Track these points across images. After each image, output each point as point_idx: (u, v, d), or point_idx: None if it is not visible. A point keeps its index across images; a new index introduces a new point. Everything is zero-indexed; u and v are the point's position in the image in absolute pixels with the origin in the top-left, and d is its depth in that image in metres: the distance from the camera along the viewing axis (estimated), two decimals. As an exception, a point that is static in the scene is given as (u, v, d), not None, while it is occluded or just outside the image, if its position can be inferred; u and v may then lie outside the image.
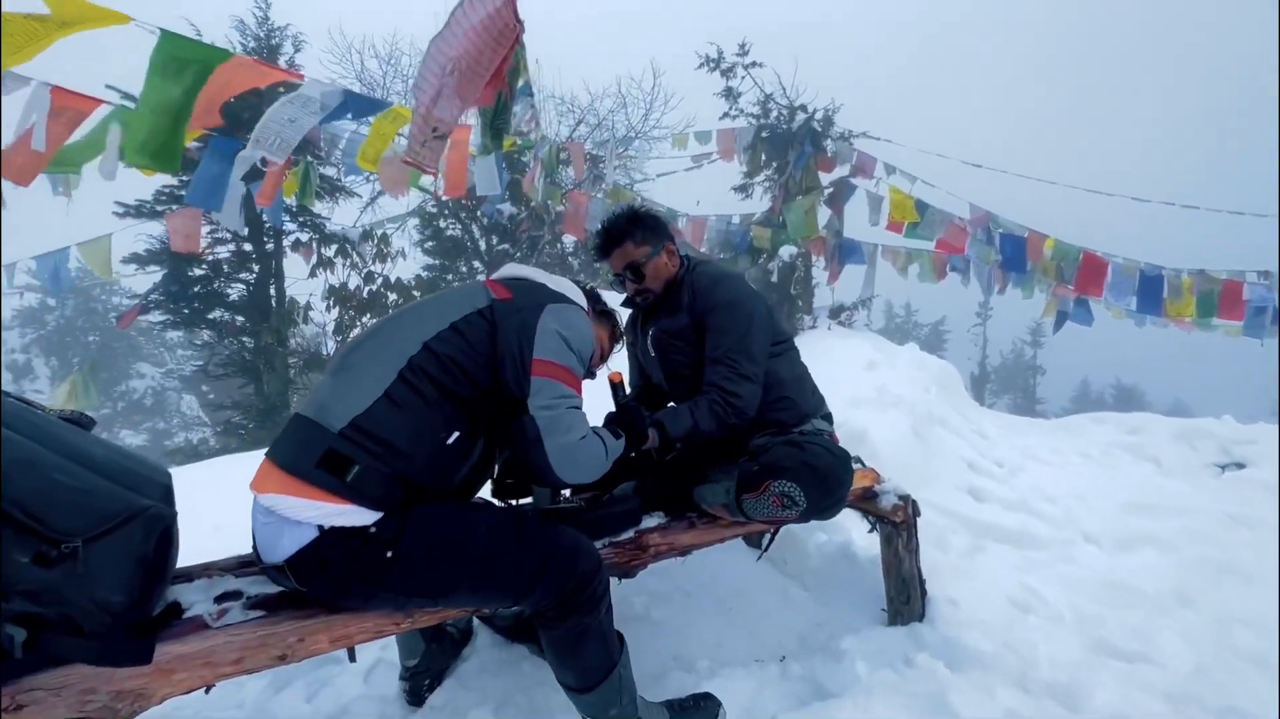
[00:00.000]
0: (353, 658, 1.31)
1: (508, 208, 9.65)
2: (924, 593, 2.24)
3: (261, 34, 8.22)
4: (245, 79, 2.80)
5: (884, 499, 2.19)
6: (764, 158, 8.87)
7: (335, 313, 7.78)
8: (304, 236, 8.39)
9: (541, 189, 5.98)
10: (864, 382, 4.62)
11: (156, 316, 8.27)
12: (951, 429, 4.59)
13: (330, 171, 7.63)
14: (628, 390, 1.78)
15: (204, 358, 9.08)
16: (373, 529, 1.18)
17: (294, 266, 8.49)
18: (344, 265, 8.16)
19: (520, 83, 2.61)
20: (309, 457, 1.17)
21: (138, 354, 22.29)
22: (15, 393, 1.23)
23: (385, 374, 1.25)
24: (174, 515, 1.17)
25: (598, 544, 1.59)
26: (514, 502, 1.63)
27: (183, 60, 2.31)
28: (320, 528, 1.15)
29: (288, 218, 7.85)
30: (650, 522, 1.74)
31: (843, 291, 9.16)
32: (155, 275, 7.68)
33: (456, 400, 1.28)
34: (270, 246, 8.48)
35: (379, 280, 8.22)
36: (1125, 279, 6.92)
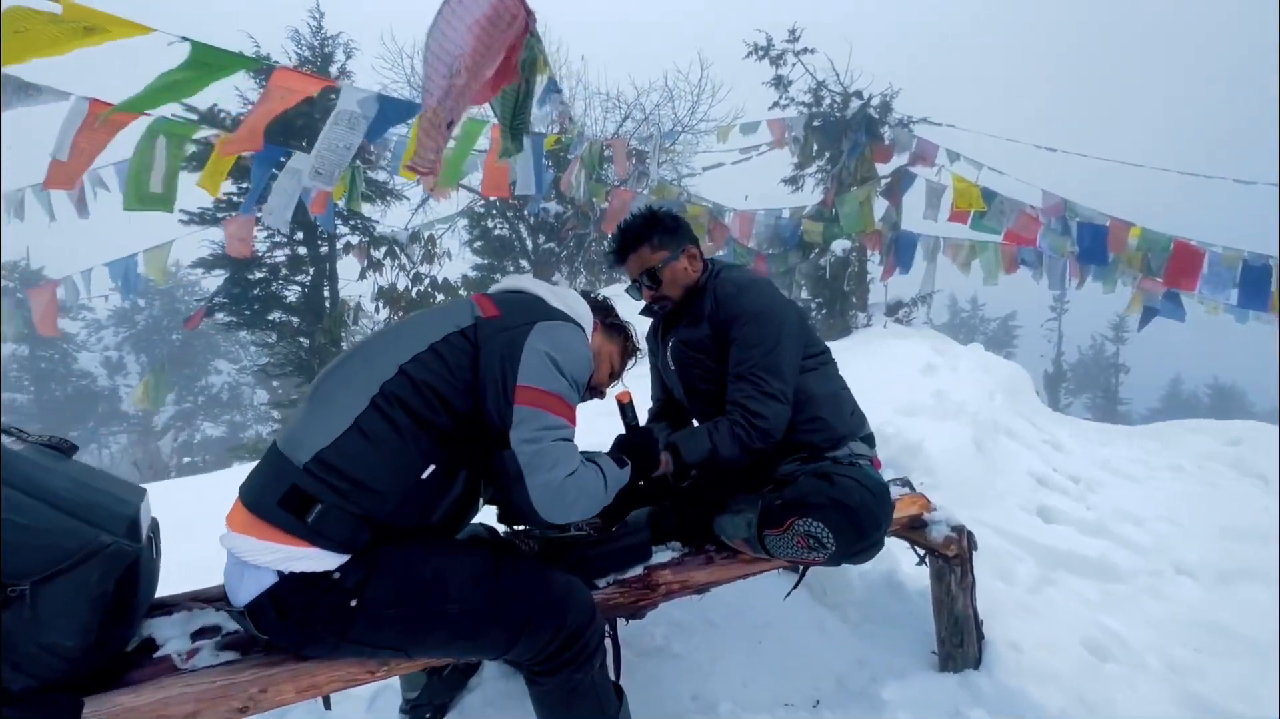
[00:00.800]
0: (328, 706, 1.21)
1: (553, 207, 9.64)
2: (980, 635, 1.99)
3: (315, 43, 8.50)
4: (286, 98, 2.80)
5: (934, 530, 1.95)
6: (816, 148, 8.49)
7: (384, 313, 7.99)
8: (355, 239, 8.65)
9: (583, 186, 5.88)
10: (920, 386, 4.29)
11: (222, 318, 8.74)
12: (1019, 439, 4.21)
13: (381, 176, 7.81)
14: (638, 410, 1.62)
15: (268, 356, 9.55)
16: (336, 575, 1.07)
17: (348, 269, 8.80)
18: (392, 267, 8.37)
19: (542, 78, 2.49)
20: (272, 494, 1.08)
21: (215, 351, 23.81)
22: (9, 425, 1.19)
23: (356, 402, 1.14)
24: (137, 550, 1.10)
25: (602, 582, 1.45)
26: (518, 527, 1.51)
27: (215, 69, 2.30)
28: (279, 573, 1.05)
29: (339, 221, 8.08)
30: (662, 556, 1.59)
31: (901, 287, 8.69)
32: (220, 279, 8.10)
33: (434, 431, 1.16)
34: (324, 250, 8.79)
35: (426, 281, 8.38)
36: (1224, 271, 6.20)
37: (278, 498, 1.07)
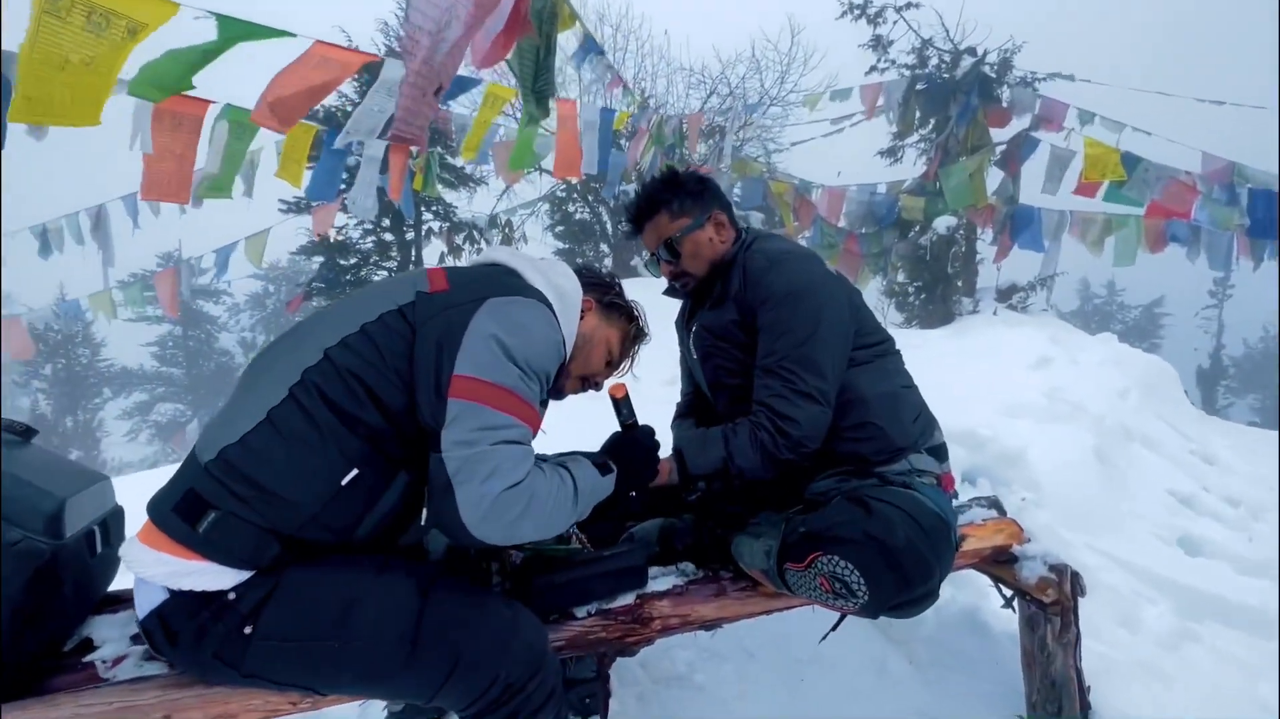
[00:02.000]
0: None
1: (634, 188, 9.42)
2: (1086, 704, 1.57)
3: (404, 34, 8.75)
4: (324, 75, 2.76)
5: (1026, 567, 1.55)
6: (918, 115, 7.67)
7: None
8: (437, 225, 8.91)
9: (653, 163, 5.60)
10: (1029, 382, 3.68)
11: (319, 302, 9.35)
12: (1158, 449, 3.50)
13: (461, 162, 7.97)
14: (634, 407, 1.35)
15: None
16: (231, 595, 0.91)
17: (433, 255, 9.09)
18: (471, 251, 8.53)
19: (571, 33, 2.25)
20: (170, 498, 0.94)
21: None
22: None
23: (272, 392, 0.97)
24: (54, 547, 1.00)
25: (582, 611, 1.22)
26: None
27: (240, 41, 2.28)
28: (169, 590, 0.91)
29: (423, 207, 8.32)
30: (661, 582, 1.32)
31: (1016, 269, 7.71)
32: (317, 264, 8.66)
33: (360, 429, 0.97)
34: (410, 236, 9.15)
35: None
36: None
37: (173, 502, 0.93)
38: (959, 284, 7.36)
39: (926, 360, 3.83)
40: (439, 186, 7.53)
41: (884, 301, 8.25)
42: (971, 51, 7.21)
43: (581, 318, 1.30)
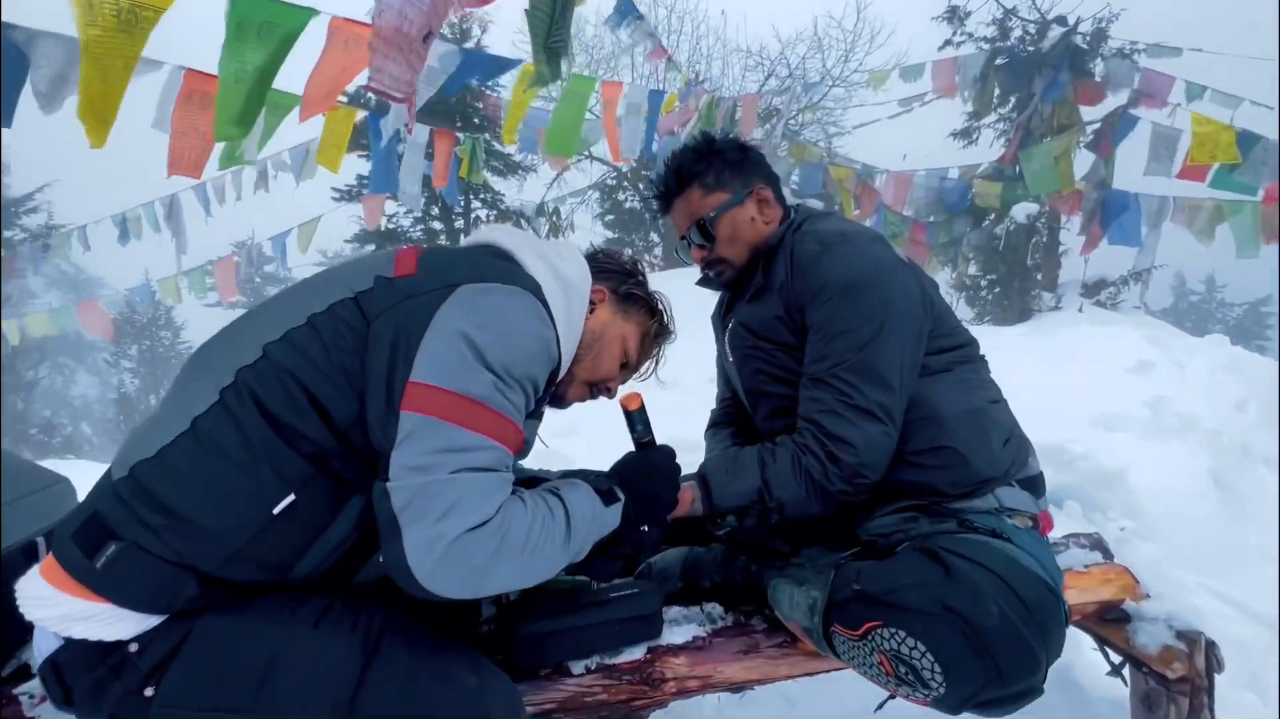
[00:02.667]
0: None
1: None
2: (1220, 807, 1.24)
3: (455, 19, 8.77)
4: (357, 57, 2.63)
5: (1144, 631, 1.24)
6: (997, 92, 7.03)
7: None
8: (484, 213, 8.87)
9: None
10: (1127, 390, 3.22)
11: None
12: (1287, 473, 2.99)
13: (511, 150, 7.88)
14: (651, 422, 1.12)
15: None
16: (132, 647, 0.75)
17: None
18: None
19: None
20: (74, 522, 0.78)
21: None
22: None
23: (200, 396, 0.80)
24: None
25: (579, 666, 1.01)
26: None
27: (261, 23, 2.16)
28: (66, 638, 0.75)
29: (471, 195, 8.27)
30: (679, 631, 1.09)
31: (1106, 262, 6.99)
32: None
33: (302, 444, 0.78)
34: (459, 224, 9.16)
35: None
36: None
37: (74, 528, 0.77)
38: (1039, 277, 6.73)
39: (1002, 362, 3.41)
40: (487, 174, 7.47)
41: (952, 295, 7.64)
42: (1061, 21, 6.54)
43: (592, 311, 1.08)
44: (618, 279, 1.13)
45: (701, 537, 1.30)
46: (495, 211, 9.05)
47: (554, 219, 8.39)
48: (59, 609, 0.74)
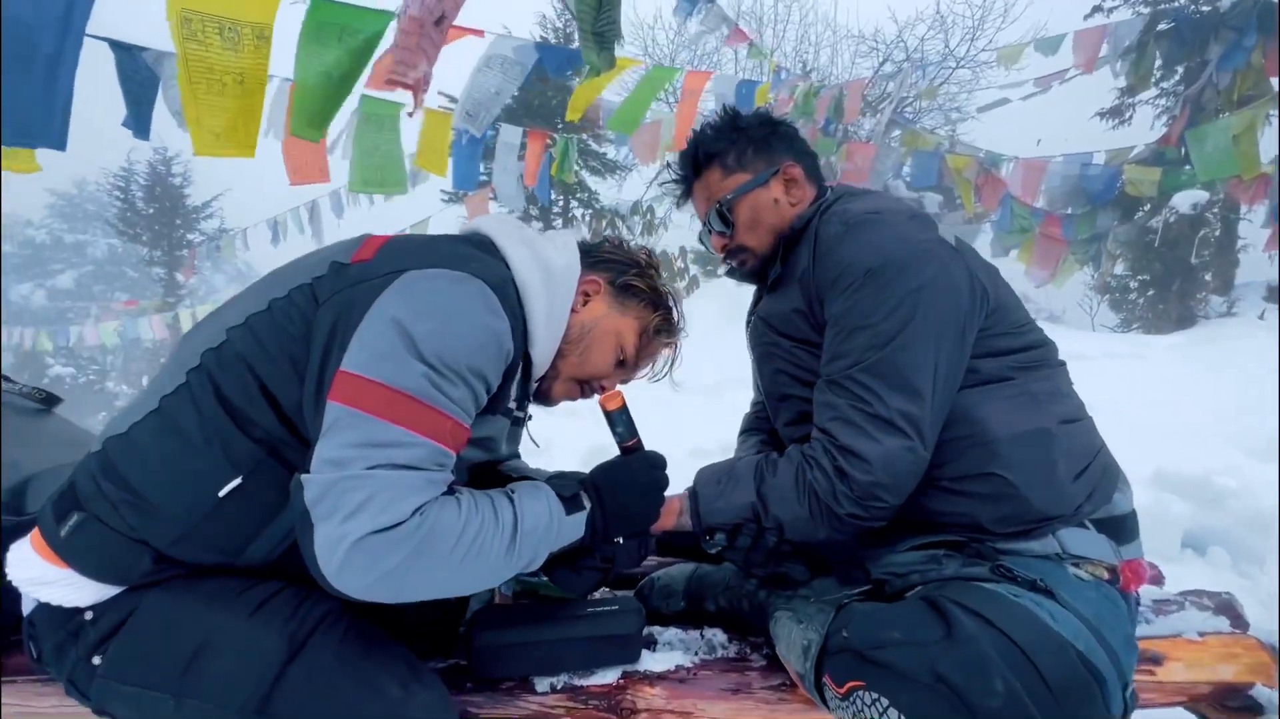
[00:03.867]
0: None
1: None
2: None
3: (560, 24, 9.01)
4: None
5: (1278, 729, 0.95)
6: (1158, 63, 6.04)
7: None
8: (579, 212, 9.05)
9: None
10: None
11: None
12: None
13: (608, 151, 7.97)
14: (634, 422, 1.01)
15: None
16: (88, 615, 0.77)
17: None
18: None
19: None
20: (57, 490, 0.82)
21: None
22: None
23: (171, 376, 0.82)
24: (12, 523, 0.95)
25: (543, 683, 0.93)
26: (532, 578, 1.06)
27: (339, 27, 2.30)
28: (40, 602, 0.79)
29: (568, 193, 8.43)
30: (661, 658, 0.99)
31: (1301, 259, 5.79)
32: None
33: (254, 430, 0.78)
34: (558, 224, 9.41)
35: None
36: None
37: (54, 497, 0.81)
38: (1207, 278, 5.69)
39: (1144, 375, 2.94)
40: (585, 173, 7.60)
41: (1092, 298, 6.66)
42: (1248, -27, 5.47)
43: (585, 303, 1.00)
44: (617, 269, 1.05)
45: (713, 556, 1.18)
46: (591, 210, 9.23)
47: (648, 217, 8.37)
48: (31, 572, 0.78)
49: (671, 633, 1.09)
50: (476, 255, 0.87)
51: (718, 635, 1.08)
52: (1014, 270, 7.85)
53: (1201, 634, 1.07)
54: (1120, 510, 0.94)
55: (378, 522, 0.67)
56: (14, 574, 0.79)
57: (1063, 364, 1.03)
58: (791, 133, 1.19)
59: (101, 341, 12.05)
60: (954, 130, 9.96)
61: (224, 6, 2.11)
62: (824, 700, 0.82)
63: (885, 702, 0.69)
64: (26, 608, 0.82)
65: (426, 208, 7.24)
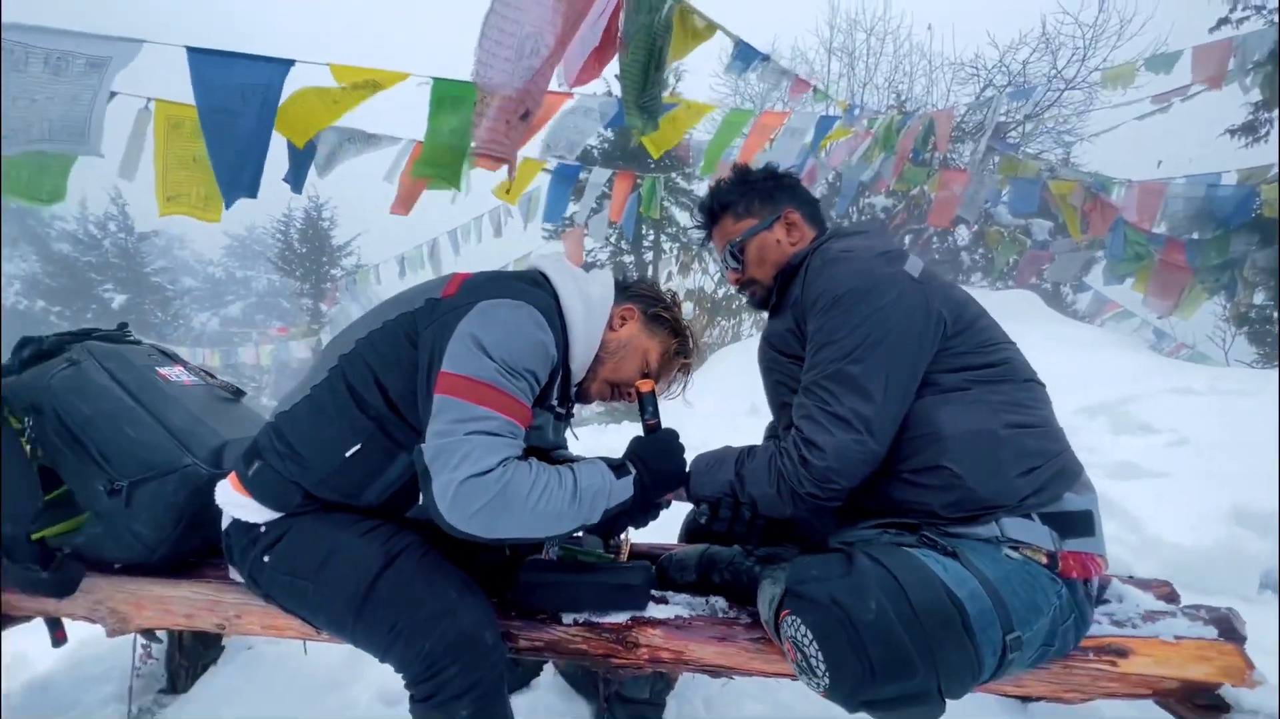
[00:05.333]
0: (305, 650, 1.30)
1: (881, 199, 8.64)
2: None
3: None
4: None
5: (1239, 725, 1.01)
6: (1302, 73, 5.48)
7: (694, 313, 8.48)
8: (668, 245, 9.43)
9: (876, 168, 5.08)
10: None
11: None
12: None
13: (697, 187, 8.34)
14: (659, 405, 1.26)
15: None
16: (262, 529, 1.13)
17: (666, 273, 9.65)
18: (698, 270, 8.81)
19: (694, 44, 2.21)
20: (246, 445, 1.21)
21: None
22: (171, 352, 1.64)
23: (319, 372, 1.18)
24: (210, 474, 1.36)
25: (568, 618, 1.19)
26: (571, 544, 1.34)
27: (455, 99, 2.79)
28: (234, 518, 1.17)
29: (656, 228, 8.85)
30: (664, 609, 1.21)
31: None
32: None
33: (365, 409, 1.11)
34: (649, 256, 9.87)
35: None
36: None
37: (244, 449, 1.19)
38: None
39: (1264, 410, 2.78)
40: (674, 209, 8.01)
41: (1224, 330, 5.96)
42: None
43: (623, 325, 1.29)
44: (648, 302, 1.33)
45: (723, 537, 1.39)
46: (679, 244, 9.62)
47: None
48: (231, 499, 1.16)
49: (681, 598, 1.30)
50: (529, 289, 1.17)
51: (719, 602, 1.28)
52: (1131, 299, 7.22)
53: (1179, 638, 1.13)
54: (1071, 508, 1.06)
55: (475, 468, 0.96)
56: (219, 498, 1.18)
57: (1028, 381, 1.16)
58: (793, 183, 1.42)
59: (260, 362, 13.96)
60: (1068, 153, 9.39)
61: (356, 75, 2.66)
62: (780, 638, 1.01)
63: (799, 621, 0.88)
64: (225, 523, 1.21)
65: (529, 244, 7.95)
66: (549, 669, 1.76)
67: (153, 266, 20.06)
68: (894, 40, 9.74)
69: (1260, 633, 1.93)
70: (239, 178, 2.42)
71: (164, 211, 2.76)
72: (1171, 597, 1.38)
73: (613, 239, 8.92)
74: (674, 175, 7.42)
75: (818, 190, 9.07)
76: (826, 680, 0.86)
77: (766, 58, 2.61)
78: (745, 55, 2.55)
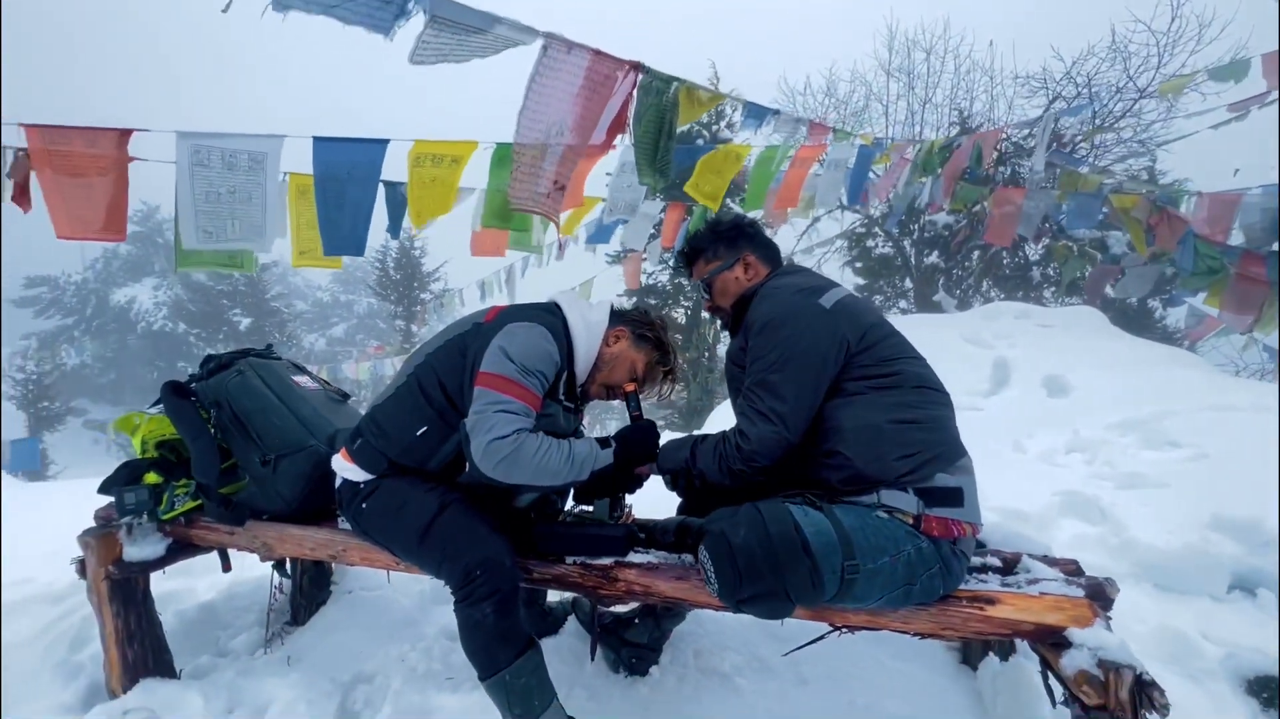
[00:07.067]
0: (388, 579, 1.80)
1: (942, 217, 8.60)
2: None
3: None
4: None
5: (1069, 658, 1.29)
6: (1394, 74, 5.14)
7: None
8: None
9: (920, 192, 5.25)
10: None
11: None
12: None
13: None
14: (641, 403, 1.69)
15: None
16: (362, 485, 1.64)
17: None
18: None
19: (706, 110, 2.61)
20: (353, 428, 1.73)
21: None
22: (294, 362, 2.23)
23: (402, 375, 1.69)
24: (328, 453, 1.91)
25: (570, 559, 1.62)
26: (587, 507, 1.79)
27: (509, 159, 3.36)
28: (343, 478, 1.69)
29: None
30: (637, 556, 1.62)
31: None
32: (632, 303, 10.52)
33: (431, 402, 1.61)
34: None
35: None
36: None
37: (352, 430, 1.72)
38: None
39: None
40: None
41: None
42: None
43: (615, 343, 1.73)
44: (637, 325, 1.76)
45: (698, 510, 1.78)
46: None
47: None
48: (343, 466, 1.68)
49: (660, 553, 1.70)
50: (544, 315, 1.64)
51: (687, 558, 1.67)
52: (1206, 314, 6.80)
53: (1042, 593, 1.41)
54: (941, 485, 1.37)
55: (498, 434, 1.42)
56: (335, 466, 1.71)
57: (919, 388, 1.48)
58: (754, 232, 1.81)
59: (359, 378, 15.40)
60: (1153, 163, 8.95)
61: (437, 149, 3.28)
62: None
63: (704, 548, 1.26)
64: (337, 483, 1.73)
65: (593, 269, 8.57)
66: (572, 620, 2.18)
67: (272, 292, 22.59)
68: (954, 59, 9.68)
69: (1225, 630, 2.10)
70: (347, 235, 3.07)
71: (296, 263, 3.49)
72: (1076, 572, 1.63)
73: (670, 263, 9.40)
74: (727, 201, 7.81)
75: (874, 212, 9.21)
76: (715, 585, 1.24)
77: (777, 112, 2.98)
78: (756, 113, 2.93)
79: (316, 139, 2.73)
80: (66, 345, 21.01)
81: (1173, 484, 2.70)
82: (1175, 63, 7.60)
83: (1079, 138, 8.24)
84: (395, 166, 3.31)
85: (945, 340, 5.29)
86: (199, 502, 1.92)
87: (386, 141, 2.89)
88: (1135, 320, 8.99)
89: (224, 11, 1.98)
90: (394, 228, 3.67)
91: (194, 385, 1.98)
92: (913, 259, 9.33)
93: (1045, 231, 8.06)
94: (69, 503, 4.30)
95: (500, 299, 10.18)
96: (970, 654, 2.00)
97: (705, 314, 2.08)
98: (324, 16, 1.79)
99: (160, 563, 1.90)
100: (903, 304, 9.83)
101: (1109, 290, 7.34)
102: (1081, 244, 7.45)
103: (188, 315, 22.07)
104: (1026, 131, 7.17)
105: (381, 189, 3.36)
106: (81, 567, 1.87)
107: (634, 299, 10.60)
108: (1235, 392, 3.96)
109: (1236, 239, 5.93)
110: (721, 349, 9.98)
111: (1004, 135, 6.94)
